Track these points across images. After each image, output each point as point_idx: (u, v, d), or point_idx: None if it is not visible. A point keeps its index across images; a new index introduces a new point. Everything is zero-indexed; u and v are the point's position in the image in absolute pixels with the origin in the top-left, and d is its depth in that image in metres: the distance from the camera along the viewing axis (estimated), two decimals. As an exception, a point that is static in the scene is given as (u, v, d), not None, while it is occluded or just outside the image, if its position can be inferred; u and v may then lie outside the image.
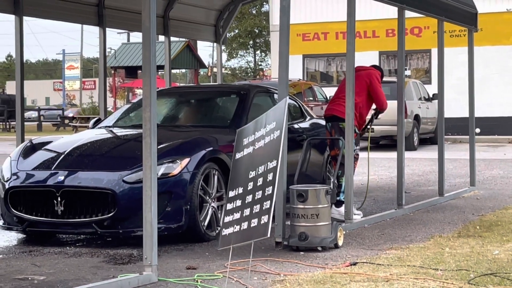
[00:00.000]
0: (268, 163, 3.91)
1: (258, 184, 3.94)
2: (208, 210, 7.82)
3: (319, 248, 7.16)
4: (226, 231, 4.14)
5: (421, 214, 9.53)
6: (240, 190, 4.14)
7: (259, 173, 3.98)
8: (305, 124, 10.06)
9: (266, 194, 3.82)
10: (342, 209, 9.00)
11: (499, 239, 7.51)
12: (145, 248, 6.01)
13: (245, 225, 3.96)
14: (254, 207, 3.90)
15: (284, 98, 4.04)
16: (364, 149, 11.35)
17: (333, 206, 8.95)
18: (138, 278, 5.92)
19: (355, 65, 8.70)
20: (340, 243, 7.35)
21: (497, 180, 13.57)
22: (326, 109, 9.57)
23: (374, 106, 9.66)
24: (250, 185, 4.03)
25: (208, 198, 7.83)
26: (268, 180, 3.85)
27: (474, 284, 5.56)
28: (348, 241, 7.60)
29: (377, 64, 28.53)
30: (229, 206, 4.19)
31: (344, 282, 5.72)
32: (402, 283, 5.60)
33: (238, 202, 4.11)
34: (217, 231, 7.87)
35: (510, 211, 9.53)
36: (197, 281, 5.94)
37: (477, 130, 20.18)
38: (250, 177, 4.07)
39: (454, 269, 6.10)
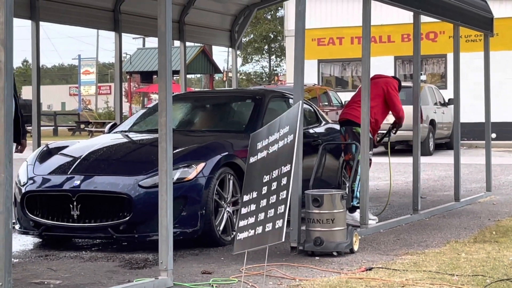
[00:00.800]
0: (282, 167, 3.91)
1: (272, 188, 3.95)
2: (223, 215, 7.82)
3: (335, 253, 7.15)
4: (241, 236, 4.14)
5: (437, 219, 9.50)
6: (255, 194, 4.14)
7: (273, 177, 3.98)
8: (320, 129, 10.06)
9: (280, 198, 3.82)
10: (356, 214, 8.99)
11: (515, 245, 7.47)
12: (160, 252, 6.02)
13: (259, 229, 3.96)
14: (269, 211, 3.91)
15: (298, 102, 4.04)
16: (380, 154, 11.33)
17: (347, 211, 8.92)
18: (154, 282, 5.93)
19: (371, 71, 8.69)
20: (355, 248, 7.34)
21: (513, 185, 13.51)
22: (341, 113, 9.59)
23: (392, 120, 9.66)
24: (265, 190, 4.04)
25: (223, 202, 7.84)
26: (282, 184, 3.86)
27: (491, 290, 5.54)
28: (363, 246, 7.59)
29: (393, 69, 28.53)
30: (244, 211, 4.19)
31: (360, 287, 5.71)
32: (418, 288, 5.59)
33: (253, 207, 4.11)
34: (232, 236, 7.87)
35: (527, 217, 9.49)
36: (212, 286, 5.94)
37: (493, 135, 20.08)
38: (264, 181, 4.07)
39: (470, 275, 6.07)
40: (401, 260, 6.82)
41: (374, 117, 9.26)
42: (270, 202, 3.95)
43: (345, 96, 27.29)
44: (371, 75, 8.76)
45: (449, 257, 6.88)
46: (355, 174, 9.04)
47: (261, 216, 4.02)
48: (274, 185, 3.98)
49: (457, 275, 6.05)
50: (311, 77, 28.96)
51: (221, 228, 7.78)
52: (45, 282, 6.19)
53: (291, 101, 9.27)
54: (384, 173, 15.90)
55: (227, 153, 8.00)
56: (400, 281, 5.87)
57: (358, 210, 8.94)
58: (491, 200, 11.40)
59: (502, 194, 12.16)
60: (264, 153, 4.24)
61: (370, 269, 6.43)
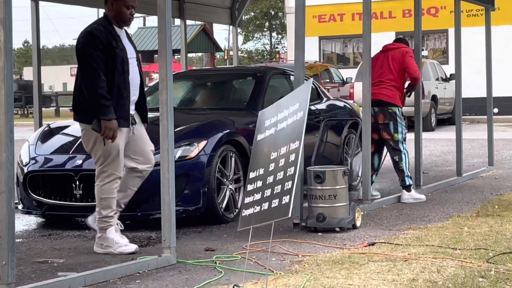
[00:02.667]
0: (291, 144, 3.90)
1: (280, 164, 3.94)
2: (225, 192, 7.84)
3: (337, 229, 7.17)
4: (246, 212, 4.14)
5: (439, 194, 9.51)
6: (261, 171, 4.13)
7: (281, 154, 3.98)
8: (321, 106, 10.05)
9: (288, 174, 3.82)
10: (413, 192, 8.93)
11: (518, 218, 7.49)
12: (163, 230, 6.04)
13: (265, 205, 3.96)
14: (275, 187, 3.90)
15: (309, 79, 4.04)
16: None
17: (404, 191, 8.88)
18: (157, 260, 5.95)
19: (372, 47, 8.62)
20: (358, 223, 7.35)
21: (516, 159, 13.52)
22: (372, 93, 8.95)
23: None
24: (272, 166, 4.03)
25: (225, 180, 7.84)
26: (290, 160, 3.85)
27: (493, 263, 5.55)
28: (366, 221, 7.60)
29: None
30: (250, 187, 4.19)
31: (363, 262, 5.73)
32: (420, 262, 5.60)
33: (259, 183, 4.10)
34: (235, 213, 7.89)
35: (529, 190, 9.50)
36: (215, 263, 5.97)
37: (495, 110, 20.07)
38: (271, 158, 4.06)
39: (473, 248, 6.09)
40: (404, 235, 6.83)
41: (402, 92, 9.15)
42: (277, 179, 3.94)
43: (347, 73, 27.26)
44: (372, 51, 8.70)
45: (451, 231, 6.90)
46: (400, 154, 8.96)
47: (268, 192, 4.02)
48: (282, 162, 3.97)
49: (459, 249, 6.07)
50: (312, 54, 28.89)
51: (224, 205, 7.79)
52: (49, 261, 6.22)
53: (292, 78, 9.24)
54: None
55: (228, 130, 7.99)
56: (402, 255, 5.89)
57: (413, 189, 8.97)
58: (493, 174, 11.40)
59: (504, 168, 12.17)
60: (272, 130, 4.22)
61: (373, 244, 6.44)
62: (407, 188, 8.96)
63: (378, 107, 8.99)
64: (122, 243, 6.41)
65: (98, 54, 6.21)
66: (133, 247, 6.40)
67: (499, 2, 13.82)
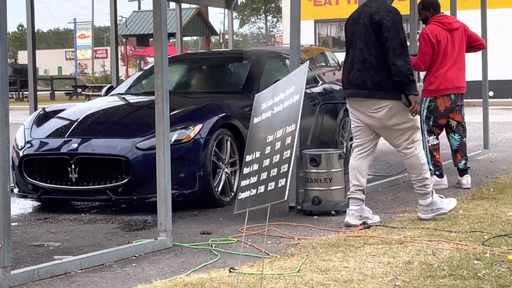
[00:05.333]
0: (287, 126, 3.89)
1: (276, 148, 3.94)
2: (221, 176, 7.84)
3: (333, 212, 7.18)
4: (242, 195, 4.14)
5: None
6: (258, 154, 4.13)
7: (277, 137, 3.97)
8: (317, 89, 10.04)
9: (284, 157, 3.82)
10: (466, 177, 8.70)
11: (513, 201, 7.50)
12: (159, 214, 6.04)
13: (262, 188, 3.96)
14: (272, 170, 3.90)
15: (306, 62, 4.03)
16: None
17: (435, 177, 8.58)
18: (153, 243, 5.96)
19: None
20: (353, 207, 7.35)
21: (511, 142, 13.54)
22: (447, 81, 8.48)
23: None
24: (268, 149, 4.03)
25: (221, 164, 7.85)
26: (286, 143, 3.85)
27: (488, 246, 5.56)
28: (361, 205, 7.60)
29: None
30: (246, 170, 4.19)
31: (358, 245, 5.74)
32: (416, 245, 5.62)
33: (255, 166, 4.10)
34: (230, 197, 7.90)
35: (524, 173, 9.51)
36: (211, 246, 5.98)
37: (491, 93, 20.05)
38: (268, 141, 4.06)
39: (468, 231, 6.10)
40: (399, 218, 6.85)
41: None
42: (273, 162, 3.94)
43: (342, 57, 27.23)
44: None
45: (447, 214, 6.90)
46: (465, 133, 8.82)
47: (264, 175, 4.02)
48: (278, 145, 3.97)
49: (455, 232, 6.08)
50: (307, 38, 28.84)
51: (219, 189, 7.80)
52: (45, 245, 6.22)
53: (287, 61, 9.23)
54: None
55: (224, 114, 7.99)
56: (398, 238, 5.90)
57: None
58: (488, 157, 11.42)
59: (499, 151, 12.18)
60: (268, 113, 4.22)
61: (369, 227, 6.45)
62: (466, 171, 8.75)
63: (460, 93, 8.60)
64: (445, 201, 6.70)
65: (404, 33, 6.47)
66: (453, 200, 6.75)
67: (495, -15, 13.78)
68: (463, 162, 8.72)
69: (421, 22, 8.95)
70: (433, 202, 6.65)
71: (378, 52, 6.45)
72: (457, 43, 8.54)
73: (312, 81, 10.10)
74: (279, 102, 4.10)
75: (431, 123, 8.60)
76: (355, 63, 6.56)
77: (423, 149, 8.65)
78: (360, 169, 6.67)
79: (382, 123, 6.56)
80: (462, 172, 8.70)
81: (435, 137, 8.64)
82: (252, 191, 4.11)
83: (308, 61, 4.13)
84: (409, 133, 6.58)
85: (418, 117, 6.65)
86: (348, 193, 6.71)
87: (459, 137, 8.74)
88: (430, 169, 8.66)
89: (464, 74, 8.62)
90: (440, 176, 8.65)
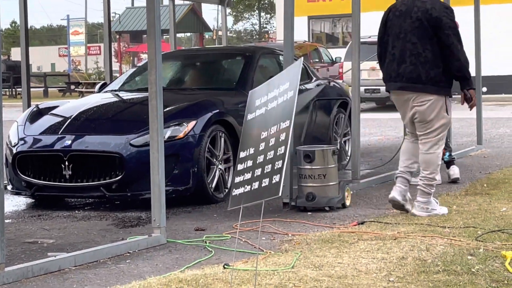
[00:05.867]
0: (281, 123, 3.89)
1: (271, 144, 3.94)
2: (215, 172, 7.84)
3: (327, 208, 7.19)
4: (236, 191, 4.14)
5: (428, 173, 9.52)
6: (252, 150, 4.13)
7: (271, 133, 3.97)
8: (311, 86, 10.04)
9: (278, 154, 3.82)
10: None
11: (506, 196, 7.52)
12: (153, 210, 6.04)
13: (256, 185, 3.96)
14: (266, 167, 3.90)
15: (300, 59, 4.03)
16: (372, 110, 11.33)
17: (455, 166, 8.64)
18: (147, 240, 5.96)
19: (362, 27, 8.55)
20: (347, 203, 7.37)
21: (504, 138, 13.56)
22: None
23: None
24: (262, 146, 4.03)
25: (215, 160, 7.85)
26: (280, 140, 3.85)
27: (482, 241, 5.58)
28: (355, 201, 7.62)
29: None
30: (240, 167, 4.19)
31: (352, 241, 5.75)
32: (410, 241, 5.62)
33: (249, 163, 4.10)
34: (224, 193, 7.90)
35: (517, 169, 9.53)
36: (205, 242, 5.98)
37: (484, 89, 20.08)
38: (262, 137, 4.06)
39: (462, 227, 6.12)
40: (393, 214, 6.86)
41: None
42: (267, 158, 3.94)
43: (336, 53, 27.23)
44: (361, 30, 8.68)
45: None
46: None
47: (258, 171, 4.02)
48: (272, 141, 3.97)
49: (448, 227, 6.09)
50: (301, 34, 28.85)
51: (213, 185, 7.80)
52: (39, 242, 6.22)
53: (281, 57, 9.23)
54: (376, 129, 15.94)
55: (218, 110, 7.99)
56: (392, 234, 5.91)
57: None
58: (482, 153, 11.44)
59: (493, 147, 12.21)
60: (262, 110, 4.22)
61: (362, 223, 6.46)
62: (453, 162, 8.88)
63: None
64: (439, 206, 6.78)
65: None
66: (445, 209, 6.76)
67: (488, -19, 13.80)
68: (448, 154, 8.84)
69: None
70: (429, 201, 6.69)
71: (434, 47, 6.58)
72: None
73: (306, 77, 10.10)
74: (273, 98, 4.10)
75: None
76: (407, 56, 6.64)
77: None
78: (415, 153, 6.80)
79: (422, 116, 6.66)
80: (449, 163, 8.80)
81: None
82: (246, 188, 4.11)
83: (302, 58, 4.13)
84: (439, 130, 6.68)
85: (451, 117, 6.76)
86: (397, 172, 6.88)
87: None
88: None
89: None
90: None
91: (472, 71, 12.31)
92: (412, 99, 6.67)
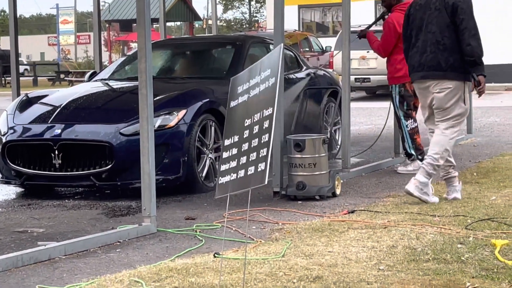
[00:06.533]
0: (264, 110, 3.87)
1: (254, 132, 3.92)
2: (205, 161, 7.83)
3: (317, 197, 7.19)
4: (222, 180, 4.13)
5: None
6: (236, 138, 4.11)
7: (254, 121, 3.95)
8: (301, 75, 10.03)
9: (262, 141, 3.80)
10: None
11: (496, 185, 7.54)
12: (143, 199, 6.03)
13: (241, 173, 3.95)
14: (251, 155, 3.89)
15: (279, 45, 4.01)
16: (362, 99, 11.34)
17: (418, 162, 8.58)
18: (137, 229, 5.95)
19: (352, 16, 8.57)
20: (337, 191, 7.38)
21: (494, 127, 13.59)
22: None
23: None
24: (246, 133, 4.01)
25: (205, 149, 7.84)
26: (264, 127, 3.83)
27: (472, 229, 5.59)
28: (345, 189, 7.63)
29: (373, 13, 28.31)
30: (225, 155, 4.18)
31: (342, 229, 5.75)
32: (400, 229, 5.63)
33: (234, 151, 4.09)
34: (215, 182, 7.89)
35: (507, 158, 9.56)
36: (196, 231, 5.98)
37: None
38: (245, 125, 4.04)
39: (452, 215, 6.13)
40: (383, 203, 6.87)
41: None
42: (252, 146, 3.92)
43: (326, 42, 27.21)
44: (351, 19, 8.67)
45: (427, 204, 6.92)
46: None
47: (243, 159, 4.00)
48: (256, 129, 3.94)
49: (438, 216, 6.11)
50: (291, 23, 28.79)
51: (204, 174, 7.79)
52: (28, 231, 6.20)
53: (271, 46, 9.22)
54: (366, 118, 15.95)
55: (208, 99, 7.97)
56: (382, 222, 5.92)
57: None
58: (472, 142, 11.47)
59: (483, 136, 12.23)
60: (245, 97, 4.20)
61: (353, 211, 6.47)
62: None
63: None
64: (431, 193, 6.78)
65: None
66: (437, 198, 6.75)
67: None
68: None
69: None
70: (427, 184, 6.73)
71: (452, 34, 6.68)
72: None
73: (296, 66, 10.09)
74: (255, 85, 4.07)
75: (405, 107, 8.72)
76: (428, 46, 6.76)
77: (404, 134, 8.72)
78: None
79: (440, 103, 6.76)
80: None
81: (412, 120, 8.74)
82: (232, 176, 4.09)
83: (281, 44, 4.11)
84: (455, 119, 6.78)
85: (468, 107, 6.86)
86: (443, 173, 6.86)
87: (415, 123, 8.89)
88: (412, 154, 8.70)
89: None
90: (422, 160, 8.67)
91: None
92: (432, 85, 6.77)
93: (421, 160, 8.62)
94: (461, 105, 6.75)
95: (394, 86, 8.77)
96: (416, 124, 8.80)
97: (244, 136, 4.02)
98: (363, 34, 8.96)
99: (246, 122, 4.04)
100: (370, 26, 9.30)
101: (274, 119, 3.73)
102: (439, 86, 6.73)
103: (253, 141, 3.91)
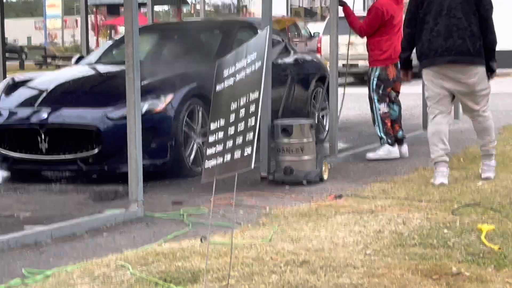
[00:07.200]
0: (250, 94, 3.85)
1: (241, 116, 3.89)
2: (193, 146, 7.82)
3: (304, 182, 7.20)
4: (209, 164, 4.11)
5: (405, 148, 9.56)
6: (222, 122, 4.09)
7: (240, 104, 3.93)
8: (289, 59, 10.01)
9: (249, 125, 3.78)
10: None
11: (482, 171, 7.56)
12: (130, 184, 6.02)
13: (228, 157, 3.93)
14: (237, 138, 3.87)
15: (266, 28, 3.98)
16: (350, 84, 11.34)
17: (387, 145, 8.67)
18: (124, 213, 5.95)
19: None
20: (325, 177, 7.39)
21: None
22: None
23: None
24: (232, 117, 3.98)
25: (193, 134, 7.83)
26: (250, 111, 3.81)
27: (458, 215, 5.61)
28: (333, 175, 7.64)
29: (362, 1, 28.23)
30: (211, 139, 4.15)
31: (330, 214, 5.76)
32: (387, 214, 5.65)
33: (220, 134, 4.07)
34: (202, 167, 7.87)
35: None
36: (183, 216, 5.97)
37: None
38: (231, 109, 4.01)
39: (438, 200, 6.15)
40: (370, 188, 6.88)
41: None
42: (238, 130, 3.90)
43: (314, 28, 27.19)
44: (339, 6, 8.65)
45: (417, 184, 6.96)
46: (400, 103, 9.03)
47: (229, 143, 3.97)
48: (242, 113, 3.92)
49: (425, 201, 6.13)
50: (279, 8, 28.73)
51: (191, 159, 7.78)
52: (15, 215, 6.19)
53: (259, 31, 9.18)
54: (354, 103, 15.95)
55: (195, 84, 7.95)
56: (369, 207, 5.93)
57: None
58: (459, 128, 11.49)
59: (469, 122, 12.10)
60: (231, 80, 4.17)
61: (340, 196, 6.48)
62: (403, 141, 8.95)
63: None
64: None
65: None
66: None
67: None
68: (401, 132, 8.89)
69: None
70: (490, 165, 7.13)
71: (477, 22, 6.90)
72: (401, 11, 8.79)
73: (284, 51, 10.06)
74: (241, 69, 4.05)
75: (381, 91, 8.73)
76: (453, 31, 6.88)
77: (376, 118, 8.74)
78: (446, 133, 7.11)
79: (471, 88, 6.97)
80: (401, 141, 8.83)
81: (385, 104, 8.73)
82: (218, 160, 4.07)
83: (268, 27, 4.08)
84: (487, 98, 7.09)
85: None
86: (436, 157, 6.99)
87: (398, 107, 8.95)
88: (382, 137, 8.72)
89: None
90: (392, 144, 8.72)
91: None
92: (461, 72, 6.91)
93: (391, 144, 8.67)
94: (488, 84, 7.03)
95: (375, 68, 8.75)
96: (388, 109, 8.79)
97: (231, 120, 4.00)
98: (343, 3, 8.84)
99: (232, 106, 4.02)
100: None
101: (261, 103, 3.71)
102: (469, 72, 6.91)
103: (239, 125, 3.89)
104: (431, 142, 7.06)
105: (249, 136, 3.73)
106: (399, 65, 8.61)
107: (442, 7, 6.93)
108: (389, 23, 8.66)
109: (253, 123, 3.73)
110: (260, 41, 3.90)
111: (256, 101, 3.76)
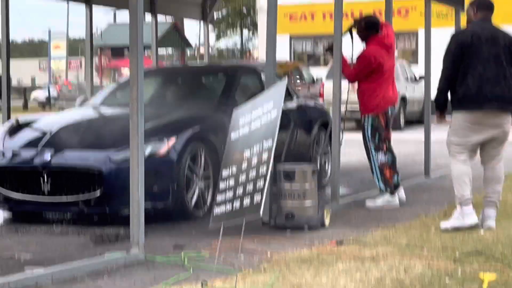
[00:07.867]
0: (264, 142, 3.89)
1: (253, 163, 3.93)
2: (195, 190, 7.82)
3: (306, 228, 7.18)
4: (218, 210, 4.13)
5: (407, 194, 9.52)
6: (234, 169, 4.12)
7: (254, 152, 3.97)
8: (292, 105, 10.05)
9: (260, 173, 3.81)
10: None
11: (484, 219, 7.54)
12: (132, 227, 6.02)
13: (237, 204, 3.95)
14: (248, 186, 3.89)
15: (284, 78, 4.04)
16: (351, 129, 11.36)
17: (388, 195, 8.62)
18: (125, 256, 5.93)
19: (343, 47, 8.62)
20: (326, 223, 7.38)
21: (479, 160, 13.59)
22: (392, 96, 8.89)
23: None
24: (244, 165, 4.02)
25: (195, 177, 7.83)
26: (263, 159, 3.85)
27: (460, 263, 5.59)
28: (334, 221, 7.62)
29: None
30: (222, 186, 4.18)
31: (331, 260, 5.75)
32: (388, 262, 5.63)
33: (232, 181, 4.10)
34: (204, 210, 7.88)
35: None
36: (184, 259, 5.95)
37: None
38: (244, 157, 4.05)
39: (440, 248, 6.13)
40: (372, 234, 6.87)
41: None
42: (249, 178, 3.93)
43: (317, 72, 27.30)
44: (343, 51, 8.71)
45: (419, 231, 6.94)
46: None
47: (240, 191, 4.01)
48: (255, 160, 3.96)
49: (427, 249, 6.11)
50: (283, 53, 28.90)
51: (193, 202, 7.78)
52: (16, 256, 6.17)
53: (263, 76, 9.25)
54: (355, 148, 15.96)
55: (198, 127, 7.98)
56: (370, 254, 5.92)
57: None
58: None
59: (473, 169, 12.20)
60: (246, 129, 4.21)
61: (341, 242, 6.47)
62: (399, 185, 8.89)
63: (393, 106, 8.88)
64: None
65: None
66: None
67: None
68: (397, 177, 8.79)
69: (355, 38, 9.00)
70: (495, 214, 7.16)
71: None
72: (392, 58, 8.86)
73: (287, 96, 10.10)
74: (257, 117, 4.09)
75: (376, 140, 8.67)
76: (501, 79, 7.01)
77: (373, 167, 8.68)
78: (471, 175, 7.20)
79: (506, 136, 7.15)
80: (397, 186, 8.77)
81: (383, 153, 8.69)
82: (227, 207, 4.10)
83: (286, 77, 4.15)
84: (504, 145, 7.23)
85: None
86: (464, 195, 7.08)
87: (391, 155, 8.80)
88: (381, 189, 8.65)
89: (395, 86, 9.07)
90: (392, 193, 8.67)
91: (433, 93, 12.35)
92: (503, 118, 7.05)
93: (391, 193, 8.63)
94: None
95: (367, 116, 8.72)
96: (386, 158, 8.69)
97: (243, 168, 4.03)
98: (330, 47, 8.77)
99: (246, 154, 4.06)
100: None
101: (273, 151, 3.74)
102: (506, 119, 7.05)
103: (251, 172, 3.92)
104: (462, 181, 7.09)
105: (260, 184, 3.76)
106: (389, 113, 8.71)
107: (489, 54, 7.01)
108: (378, 70, 8.66)
109: (264, 171, 3.76)
110: (278, 90, 3.95)
111: (269, 149, 3.80)
